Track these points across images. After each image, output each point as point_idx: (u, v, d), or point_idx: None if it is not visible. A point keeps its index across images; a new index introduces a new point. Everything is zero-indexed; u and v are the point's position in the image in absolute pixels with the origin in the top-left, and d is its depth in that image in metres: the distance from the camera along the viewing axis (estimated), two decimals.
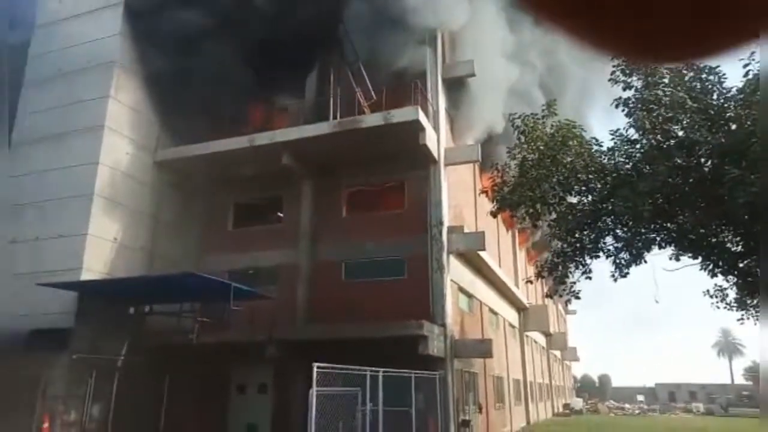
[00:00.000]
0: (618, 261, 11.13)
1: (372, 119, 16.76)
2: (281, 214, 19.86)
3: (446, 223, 17.06)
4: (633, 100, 10.21)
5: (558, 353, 47.33)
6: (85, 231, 15.96)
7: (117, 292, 16.02)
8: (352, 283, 17.70)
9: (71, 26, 19.01)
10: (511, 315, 28.02)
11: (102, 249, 16.35)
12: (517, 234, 31.45)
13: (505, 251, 28.36)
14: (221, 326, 16.14)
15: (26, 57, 19.36)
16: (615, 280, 11.16)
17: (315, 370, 8.99)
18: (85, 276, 15.51)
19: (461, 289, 18.51)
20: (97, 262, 16.06)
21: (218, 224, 20.26)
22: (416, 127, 16.47)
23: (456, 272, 17.66)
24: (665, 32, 0.46)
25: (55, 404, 14.71)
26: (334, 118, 17.39)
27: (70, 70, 18.24)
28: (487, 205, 20.62)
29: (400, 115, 16.43)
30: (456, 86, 19.97)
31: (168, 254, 18.46)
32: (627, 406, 58.95)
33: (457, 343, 16.30)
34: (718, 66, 9.76)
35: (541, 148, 11.50)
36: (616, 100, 10.36)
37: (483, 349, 16.72)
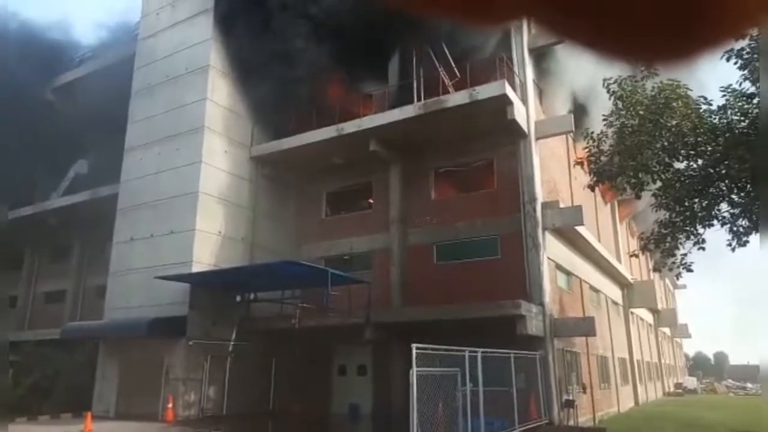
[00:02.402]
0: (735, 229, 10.19)
1: (457, 98, 16.46)
2: (372, 200, 20.12)
3: (540, 198, 16.46)
4: (748, 49, 9.21)
5: (667, 330, 44.47)
6: (193, 227, 17.09)
7: (224, 282, 17.06)
8: (445, 265, 17.63)
9: (169, 36, 20.28)
10: (614, 292, 26.65)
11: (208, 242, 17.45)
12: (617, 206, 29.74)
13: (605, 225, 26.94)
14: (321, 311, 16.72)
15: (131, 71, 20.92)
16: (733, 249, 10.24)
17: (414, 351, 9.03)
18: (195, 268, 16.64)
19: (559, 267, 17.84)
20: (204, 254, 17.17)
21: (312, 213, 20.93)
22: (503, 102, 15.97)
23: (553, 249, 17.02)
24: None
25: (176, 386, 16.01)
26: (419, 100, 17.26)
27: (172, 77, 19.50)
28: (583, 177, 19.69)
29: (485, 91, 16.00)
30: (543, 56, 19.08)
31: (267, 244, 19.35)
32: (749, 385, 54.05)
33: (557, 322, 15.76)
34: None
35: (641, 112, 10.72)
36: (727, 51, 9.38)
37: (585, 327, 16.04)
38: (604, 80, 12.38)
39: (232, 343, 17.35)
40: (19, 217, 25.41)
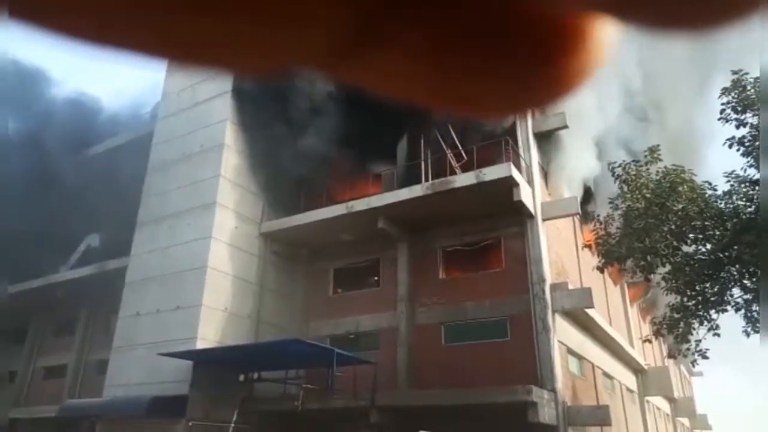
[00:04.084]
0: (750, 314, 10.01)
1: (464, 179, 16.82)
2: (379, 278, 20.06)
3: (548, 280, 16.36)
4: (749, 138, 9.46)
5: (686, 421, 42.43)
6: (200, 302, 17.02)
7: (228, 360, 16.73)
8: (453, 346, 17.27)
9: (187, 116, 21.18)
10: (628, 378, 25.77)
11: (214, 318, 17.30)
12: (626, 289, 29.39)
13: (615, 308, 26.50)
14: (326, 392, 16.26)
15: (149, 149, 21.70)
16: (748, 335, 10.01)
17: None
18: (200, 345, 16.39)
19: (570, 351, 17.40)
20: (210, 331, 16.98)
21: (320, 290, 20.84)
22: (510, 183, 16.28)
23: (563, 332, 16.70)
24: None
25: None
26: (426, 180, 17.66)
27: (187, 154, 20.17)
28: (590, 259, 19.65)
29: (492, 172, 16.37)
30: (547, 139, 19.67)
31: (274, 320, 19.15)
32: None
33: (571, 410, 15.16)
34: None
35: (648, 195, 10.88)
36: (728, 139, 9.67)
37: (600, 416, 15.39)
38: (609, 164, 12.67)
39: (232, 425, 16.72)
40: (26, 290, 25.47)
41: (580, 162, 20.01)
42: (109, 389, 17.74)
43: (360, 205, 18.18)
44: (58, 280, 24.40)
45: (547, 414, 13.53)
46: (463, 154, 18.11)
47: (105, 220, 23.72)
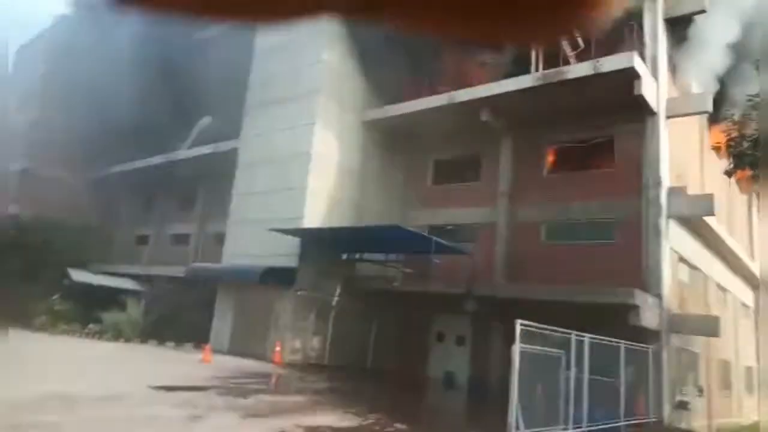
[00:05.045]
0: None
1: (579, 69, 15.54)
2: (480, 172, 19.79)
3: (665, 183, 15.30)
4: None
5: None
6: (305, 185, 17.87)
7: (332, 240, 17.78)
8: (553, 245, 17.08)
9: None
10: (744, 293, 24.35)
11: (319, 201, 18.19)
12: (758, 198, 26.85)
13: (740, 218, 24.53)
14: (423, 277, 16.99)
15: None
16: None
17: (518, 326, 8.93)
18: (306, 224, 17.47)
19: (682, 259, 16.60)
20: (314, 212, 17.95)
21: (419, 180, 21.03)
22: (631, 76, 14.83)
23: (677, 240, 15.84)
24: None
25: (284, 332, 17.12)
26: (537, 70, 16.52)
27: (291, 39, 20.10)
28: (716, 164, 18.01)
29: (611, 62, 14.95)
30: (681, 26, 17.38)
31: (373, 208, 19.80)
32: None
33: (675, 317, 14.77)
34: None
35: None
36: None
37: (708, 326, 14.87)
38: (756, 60, 11.12)
39: (336, 298, 18.15)
40: (149, 166, 28.03)
41: (717, 54, 17.66)
42: (227, 258, 19.69)
43: (463, 95, 17.56)
44: (177, 158, 26.50)
45: (648, 318, 13.30)
46: (580, 42, 16.55)
47: (217, 103, 24.85)
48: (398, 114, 19.34)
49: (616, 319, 12.58)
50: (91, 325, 19.90)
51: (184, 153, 26.44)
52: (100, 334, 19.09)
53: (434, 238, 15.29)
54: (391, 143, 20.76)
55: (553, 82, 15.80)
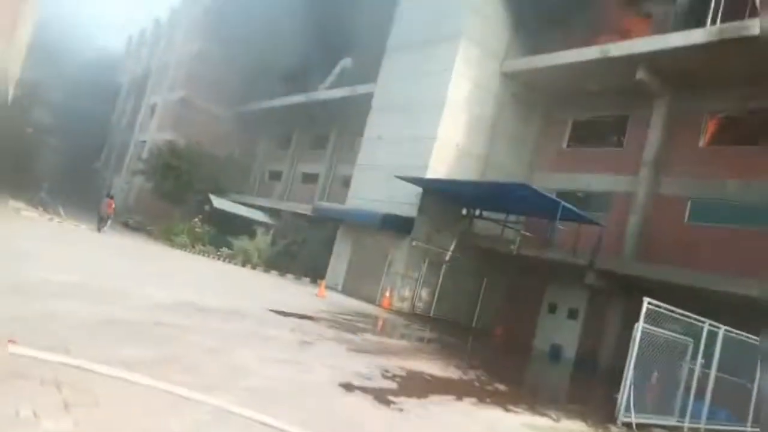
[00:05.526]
0: None
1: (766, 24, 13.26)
2: (623, 137, 18.13)
3: None
4: None
5: None
6: (435, 134, 17.58)
7: (453, 193, 17.50)
8: (698, 226, 15.33)
9: None
10: None
11: (446, 152, 17.86)
12: None
13: None
14: (542, 243, 16.22)
15: None
16: None
17: (645, 305, 8.15)
18: (429, 174, 17.30)
19: None
20: (440, 163, 17.69)
21: (553, 140, 19.82)
22: None
23: None
24: None
25: (395, 279, 17.44)
26: (713, 23, 14.41)
27: None
28: None
29: None
30: None
31: (501, 164, 19.09)
32: None
33: None
34: None
35: None
36: None
37: None
38: None
39: (449, 252, 18.03)
40: (291, 104, 29.33)
41: None
42: (351, 200, 20.25)
43: (618, 49, 15.91)
44: (317, 98, 27.40)
45: None
46: None
47: (359, 45, 25.07)
48: (541, 66, 18.13)
49: (761, 318, 11.08)
50: (223, 249, 21.76)
51: (322, 94, 27.26)
52: (230, 258, 20.82)
53: (563, 202, 14.38)
54: (528, 97, 19.66)
55: (731, 39, 13.66)
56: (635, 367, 8.22)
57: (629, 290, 15.03)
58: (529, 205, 15.96)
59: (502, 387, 8.83)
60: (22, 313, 5.52)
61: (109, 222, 20.45)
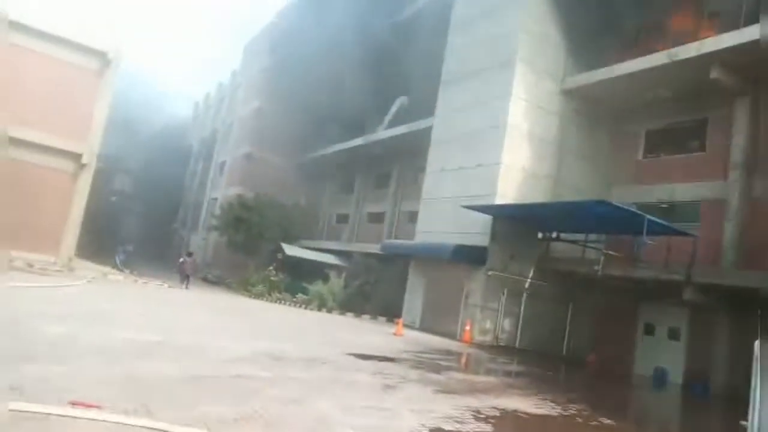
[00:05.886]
0: None
1: None
2: (704, 141, 16.91)
3: None
4: None
5: None
6: (499, 160, 17.09)
7: (526, 217, 16.81)
8: None
9: None
10: None
11: (513, 176, 17.29)
12: None
13: None
14: (629, 261, 15.17)
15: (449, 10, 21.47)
16: None
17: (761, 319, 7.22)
18: (499, 201, 16.74)
19: None
20: (508, 188, 17.11)
21: (626, 153, 18.84)
22: None
23: None
24: None
25: (474, 312, 16.77)
26: None
27: (487, 9, 19.33)
28: None
29: None
30: None
31: (572, 183, 18.28)
32: None
33: None
34: None
35: None
36: None
37: None
38: None
39: (528, 279, 17.21)
40: (352, 147, 29.76)
41: None
42: (420, 235, 19.91)
43: (687, 51, 14.98)
44: (376, 138, 27.65)
45: None
46: None
47: (413, 82, 25.23)
48: (604, 79, 17.39)
49: None
50: (299, 295, 21.88)
51: (381, 134, 27.50)
52: (306, 304, 20.87)
53: (648, 216, 13.40)
54: (593, 112, 18.88)
55: None
56: (762, 390, 7.25)
57: (735, 303, 13.69)
58: (609, 222, 15.04)
59: (608, 421, 8.02)
60: (106, 375, 5.52)
61: (190, 278, 21.16)
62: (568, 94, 18.51)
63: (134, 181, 47.43)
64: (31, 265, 16.11)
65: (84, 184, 18.94)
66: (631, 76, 16.66)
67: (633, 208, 15.57)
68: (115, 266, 23.32)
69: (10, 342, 6.37)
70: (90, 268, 19.33)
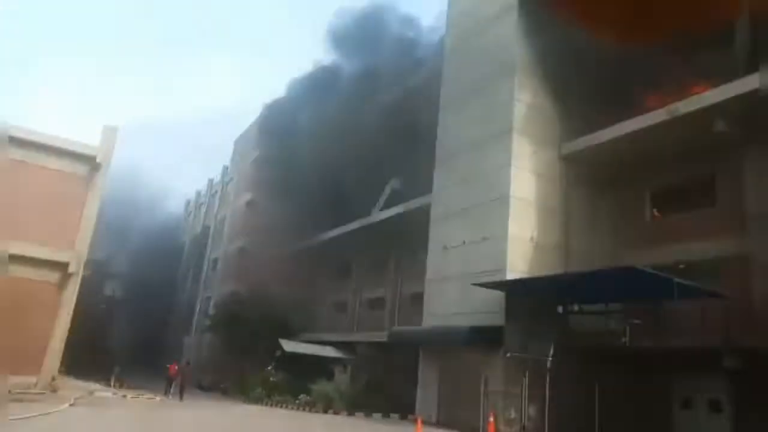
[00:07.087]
0: None
1: None
2: (714, 195, 16.36)
3: None
4: None
5: None
6: (505, 232, 16.36)
7: (542, 290, 15.78)
8: None
9: (475, 42, 20.29)
10: None
11: (521, 248, 16.49)
12: None
13: None
14: (657, 329, 14.05)
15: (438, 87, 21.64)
16: None
17: None
18: (509, 276, 15.82)
19: None
20: (517, 261, 16.25)
21: (633, 215, 18.21)
22: None
23: None
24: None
25: (495, 399, 15.30)
26: None
27: (478, 85, 19.38)
28: None
29: None
30: None
31: (582, 250, 17.49)
32: None
33: None
34: None
35: None
36: None
37: None
38: None
39: (550, 358, 15.89)
40: (346, 232, 28.99)
41: None
42: (428, 318, 18.70)
43: (688, 105, 14.75)
44: (371, 221, 26.98)
45: None
46: None
47: (405, 163, 24.98)
48: (602, 142, 17.11)
49: None
50: (301, 396, 20.20)
51: (375, 216, 26.88)
52: (310, 405, 19.18)
53: (675, 279, 12.46)
54: (595, 176, 18.44)
55: None
56: None
57: None
58: (631, 289, 14.06)
59: None
60: None
61: (184, 388, 19.58)
62: (568, 159, 18.18)
63: (124, 285, 46.08)
64: (9, 392, 14.61)
65: (70, 294, 17.88)
66: (629, 136, 16.39)
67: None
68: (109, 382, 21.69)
69: None
70: (75, 387, 17.78)
